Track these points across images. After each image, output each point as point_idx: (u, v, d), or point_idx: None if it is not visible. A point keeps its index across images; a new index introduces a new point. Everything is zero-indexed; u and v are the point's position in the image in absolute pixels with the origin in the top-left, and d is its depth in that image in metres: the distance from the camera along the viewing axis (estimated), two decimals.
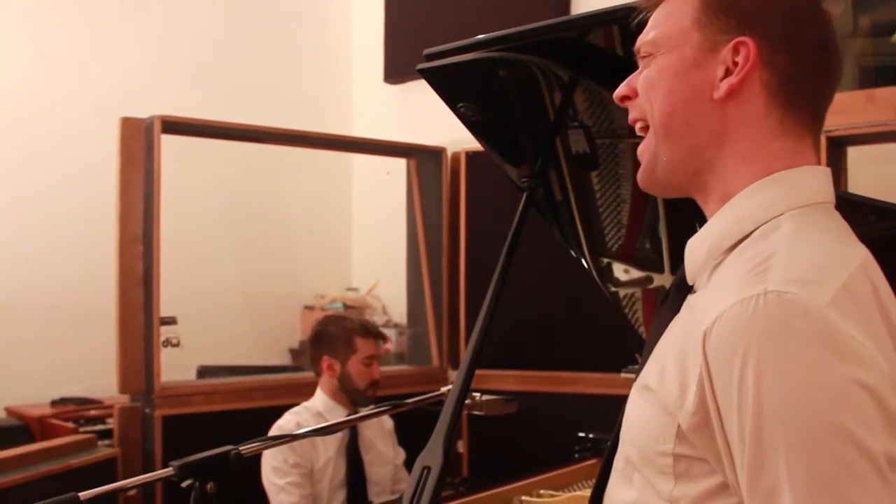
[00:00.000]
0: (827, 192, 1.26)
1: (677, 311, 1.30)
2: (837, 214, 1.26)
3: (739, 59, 1.22)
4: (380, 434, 3.90)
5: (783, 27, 1.24)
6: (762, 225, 1.20)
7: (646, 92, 1.30)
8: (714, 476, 1.13)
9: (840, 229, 1.23)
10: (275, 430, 3.65)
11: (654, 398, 1.19)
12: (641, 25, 1.36)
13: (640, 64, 1.34)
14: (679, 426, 1.14)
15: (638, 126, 1.34)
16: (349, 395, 3.76)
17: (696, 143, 1.26)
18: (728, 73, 1.23)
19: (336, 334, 3.82)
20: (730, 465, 1.10)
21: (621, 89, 1.36)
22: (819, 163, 1.28)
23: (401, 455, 3.98)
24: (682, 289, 1.33)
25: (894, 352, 1.10)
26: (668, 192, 1.40)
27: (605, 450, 3.47)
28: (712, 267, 1.24)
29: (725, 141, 1.25)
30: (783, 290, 1.06)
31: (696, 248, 1.27)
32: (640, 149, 1.34)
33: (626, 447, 1.26)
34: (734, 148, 1.25)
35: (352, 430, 3.78)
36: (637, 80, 1.33)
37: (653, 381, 1.20)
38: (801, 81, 1.25)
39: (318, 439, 3.67)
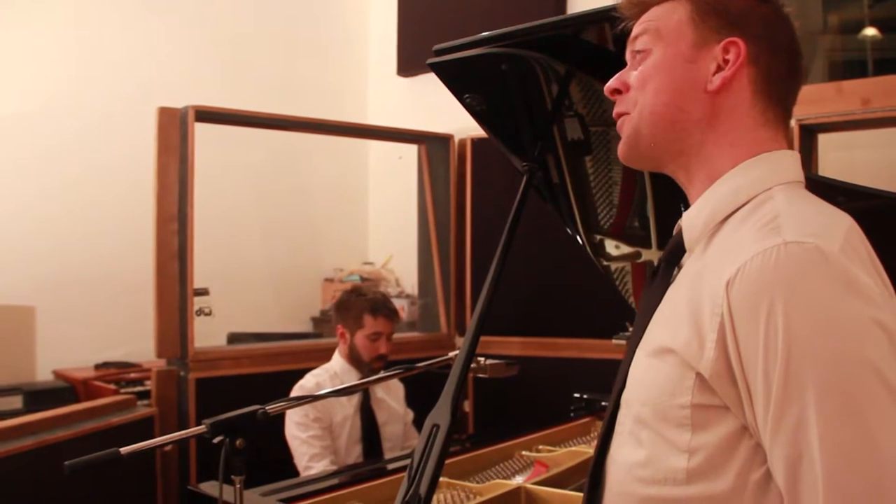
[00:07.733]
0: (800, 173, 1.29)
1: (668, 283, 1.30)
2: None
3: (730, 56, 1.26)
4: (393, 395, 3.92)
5: (762, 29, 1.27)
6: (754, 197, 1.22)
7: (640, 85, 1.31)
8: (731, 422, 1.12)
9: (821, 200, 1.23)
10: (296, 389, 3.67)
11: (670, 356, 1.17)
12: (626, 31, 1.37)
13: (632, 60, 1.35)
14: (698, 376, 1.12)
15: (620, 121, 1.35)
16: (357, 362, 3.78)
17: (684, 127, 1.28)
18: (719, 69, 1.26)
19: (349, 307, 3.83)
20: (749, 407, 1.08)
21: (613, 83, 1.36)
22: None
23: (409, 414, 3.99)
24: (672, 263, 1.33)
25: (889, 298, 1.10)
26: (647, 166, 1.41)
27: (598, 409, 3.48)
28: (709, 235, 1.24)
29: (713, 127, 1.27)
30: (801, 240, 1.07)
31: (694, 218, 1.27)
32: (620, 123, 1.35)
33: (635, 407, 1.23)
34: (722, 133, 1.27)
35: (365, 392, 3.79)
36: (629, 77, 1.34)
37: (666, 340, 1.18)
38: (778, 78, 1.29)
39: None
